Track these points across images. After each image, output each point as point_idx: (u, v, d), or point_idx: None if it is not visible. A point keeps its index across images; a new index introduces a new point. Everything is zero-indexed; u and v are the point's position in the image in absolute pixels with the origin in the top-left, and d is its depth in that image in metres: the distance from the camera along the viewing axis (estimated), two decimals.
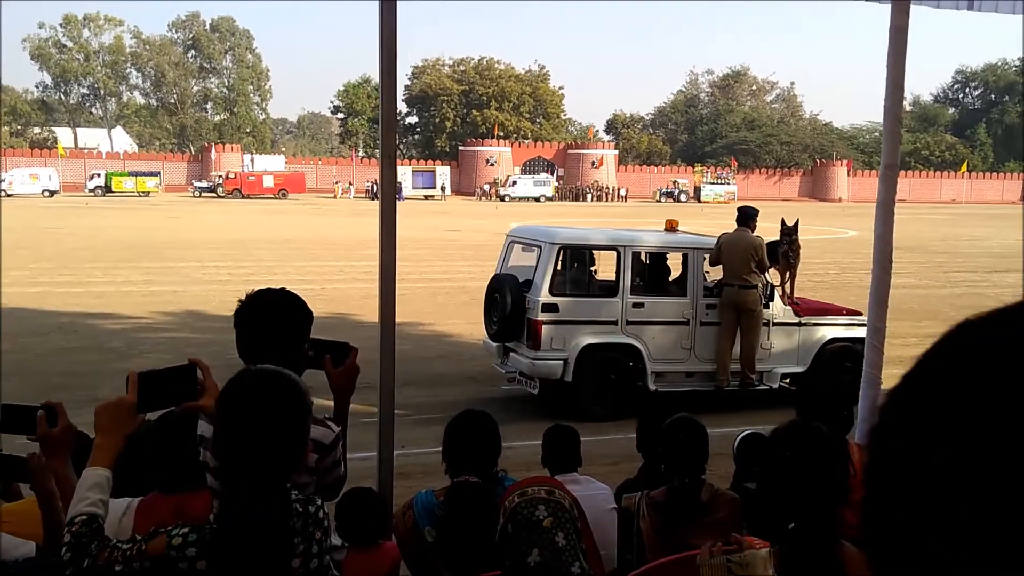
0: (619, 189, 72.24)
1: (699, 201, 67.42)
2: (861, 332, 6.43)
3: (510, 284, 8.61)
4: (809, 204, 68.42)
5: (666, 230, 9.34)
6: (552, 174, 72.68)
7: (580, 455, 3.94)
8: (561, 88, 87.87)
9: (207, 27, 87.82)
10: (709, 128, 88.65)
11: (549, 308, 8.33)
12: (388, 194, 3.95)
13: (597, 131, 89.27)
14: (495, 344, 8.97)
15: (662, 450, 3.17)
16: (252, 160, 69.92)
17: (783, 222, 9.99)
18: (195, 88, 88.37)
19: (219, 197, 60.14)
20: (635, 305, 8.56)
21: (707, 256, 8.85)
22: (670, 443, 3.12)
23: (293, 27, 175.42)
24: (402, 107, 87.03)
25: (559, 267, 8.64)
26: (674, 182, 72.65)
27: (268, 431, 1.79)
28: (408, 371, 10.07)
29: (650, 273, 9.04)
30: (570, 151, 76.78)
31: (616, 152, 79.09)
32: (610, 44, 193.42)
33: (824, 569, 2.07)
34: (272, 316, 2.46)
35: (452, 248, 26.09)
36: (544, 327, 8.27)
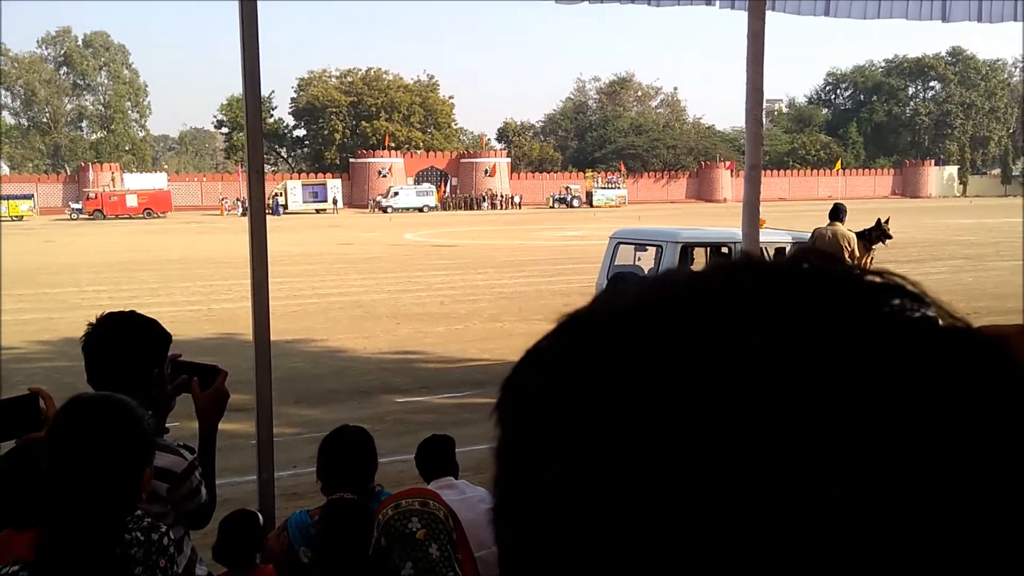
0: (513, 196, 72.82)
1: (591, 206, 68.65)
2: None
3: (634, 280, 9.37)
4: (696, 205, 70.57)
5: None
6: (446, 184, 72.70)
7: (456, 463, 3.92)
8: (451, 98, 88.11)
9: (79, 43, 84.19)
10: (598, 134, 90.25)
11: None
12: (257, 210, 3.87)
13: (489, 140, 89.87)
14: None
15: None
16: (114, 179, 67.20)
17: (879, 220, 11.41)
18: (69, 106, 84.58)
19: (103, 218, 57.73)
20: None
21: None
22: None
23: (170, 40, 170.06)
24: (289, 120, 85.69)
25: (680, 264, 9.37)
26: (567, 188, 73.82)
27: (94, 459, 1.72)
28: (300, 389, 9.89)
29: None
30: (463, 160, 76.98)
31: (508, 160, 79.74)
32: (498, 53, 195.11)
33: None
34: (118, 341, 2.37)
35: (345, 262, 25.74)
36: None
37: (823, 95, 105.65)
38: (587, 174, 78.18)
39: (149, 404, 2.45)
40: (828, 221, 9.97)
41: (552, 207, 69.67)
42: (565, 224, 45.29)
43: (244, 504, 4.15)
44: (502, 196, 72.41)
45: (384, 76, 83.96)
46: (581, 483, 0.33)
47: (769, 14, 4.97)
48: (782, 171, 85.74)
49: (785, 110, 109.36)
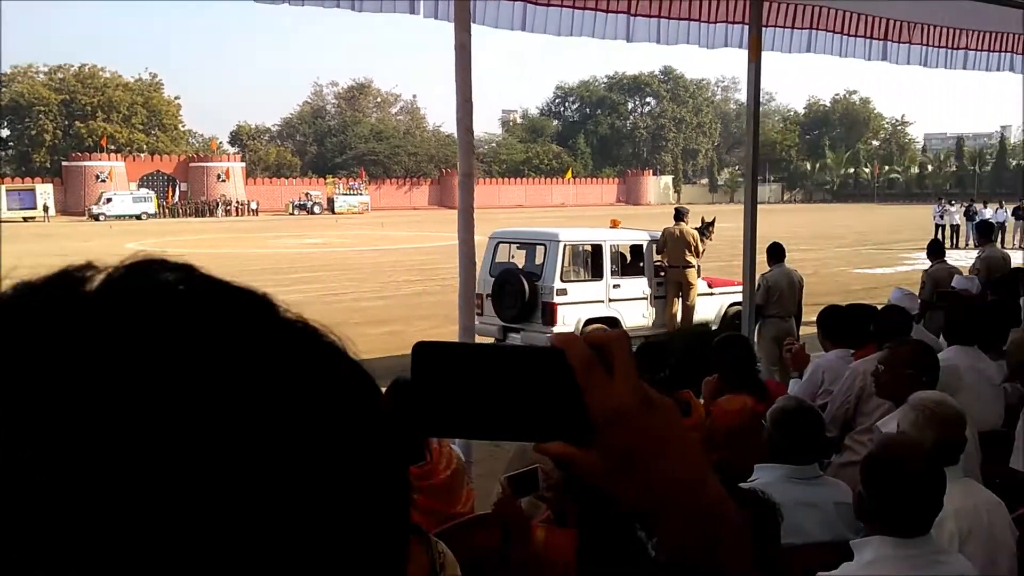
0: (249, 203, 70.06)
1: (333, 212, 67.56)
2: None
3: (523, 275, 10.62)
4: (439, 212, 71.63)
5: (611, 228, 12.22)
6: (174, 190, 68.52)
7: None
8: (177, 98, 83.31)
9: None
10: (338, 139, 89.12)
11: (561, 292, 10.44)
12: None
13: (221, 143, 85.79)
14: (495, 326, 10.77)
15: None
16: None
17: (703, 219, 13.00)
18: None
19: None
20: (615, 286, 10.98)
21: (655, 245, 11.52)
22: None
23: None
24: None
25: (564, 260, 10.71)
26: (307, 194, 72.11)
27: None
28: None
29: (620, 261, 11.37)
30: (193, 164, 72.82)
31: (243, 164, 76.56)
32: (229, 53, 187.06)
33: None
34: None
35: None
36: (559, 308, 10.37)
37: (553, 107, 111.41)
38: (328, 180, 76.89)
39: None
40: (674, 222, 11.85)
41: (292, 214, 67.78)
42: (305, 231, 44.26)
43: None
44: (237, 202, 69.42)
45: (100, 73, 77.62)
46: None
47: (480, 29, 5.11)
48: (518, 179, 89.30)
49: (520, 121, 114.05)
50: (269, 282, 21.05)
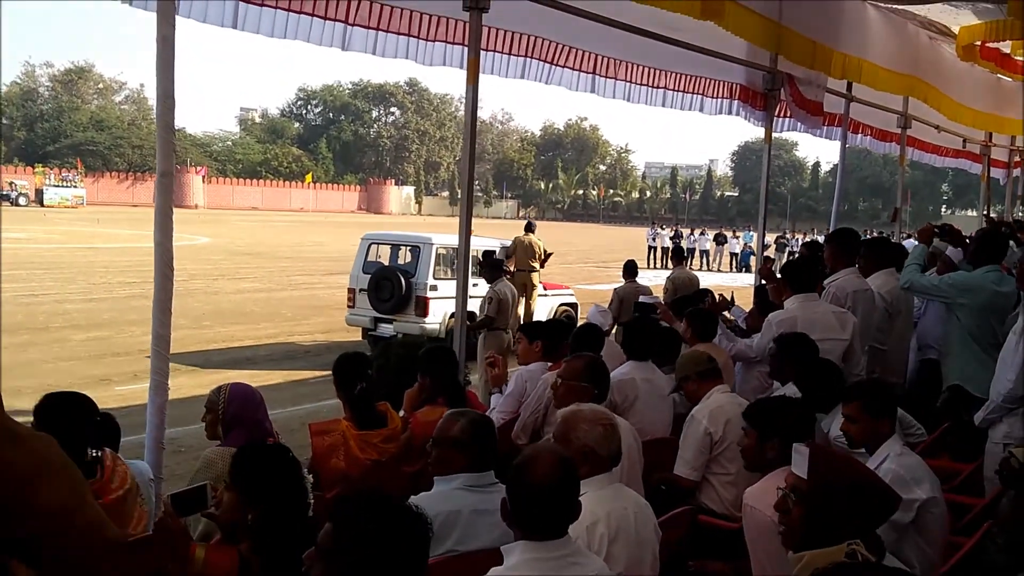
0: None
1: (42, 205, 61.56)
2: (573, 299, 14.54)
3: (400, 272, 11.99)
4: None
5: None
6: None
7: None
8: None
9: None
10: (51, 126, 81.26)
11: (433, 288, 11.91)
12: None
13: None
14: (367, 316, 12.21)
15: None
16: None
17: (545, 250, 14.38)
18: None
19: None
20: (473, 285, 12.29)
21: (506, 251, 12.90)
22: None
23: None
24: None
25: (436, 261, 12.07)
26: (11, 183, 64.88)
27: None
28: None
29: (477, 264, 12.26)
30: None
31: None
32: None
33: None
34: None
35: None
36: (431, 301, 11.84)
37: (295, 109, 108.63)
38: (37, 169, 69.75)
39: None
40: (524, 232, 13.63)
41: None
42: (7, 224, 39.87)
43: None
44: None
45: None
46: None
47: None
48: (255, 180, 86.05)
49: (259, 120, 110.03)
50: None
